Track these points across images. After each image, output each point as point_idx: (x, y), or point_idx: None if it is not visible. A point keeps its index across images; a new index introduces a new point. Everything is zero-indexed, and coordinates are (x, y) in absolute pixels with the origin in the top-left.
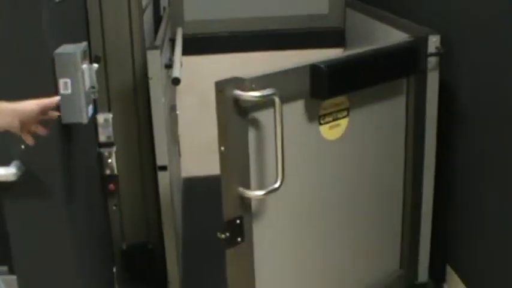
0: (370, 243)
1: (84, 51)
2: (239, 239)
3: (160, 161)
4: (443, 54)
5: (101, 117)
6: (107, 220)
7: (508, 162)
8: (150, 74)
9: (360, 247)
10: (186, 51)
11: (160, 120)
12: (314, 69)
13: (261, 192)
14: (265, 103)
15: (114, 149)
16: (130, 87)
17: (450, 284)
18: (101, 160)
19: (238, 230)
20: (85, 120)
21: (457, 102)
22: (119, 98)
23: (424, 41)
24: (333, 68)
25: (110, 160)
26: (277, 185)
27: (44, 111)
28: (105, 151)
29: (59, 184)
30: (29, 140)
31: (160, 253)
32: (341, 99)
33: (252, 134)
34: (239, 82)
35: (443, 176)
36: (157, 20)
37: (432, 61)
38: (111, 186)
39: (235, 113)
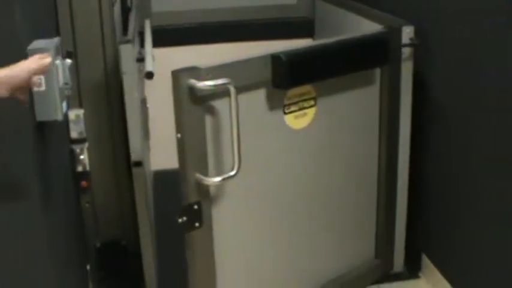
0: (343, 233)
1: (57, 47)
2: (197, 224)
3: (135, 157)
4: (418, 45)
5: (72, 113)
6: (80, 217)
7: (482, 151)
8: (124, 68)
9: (333, 236)
10: (154, 43)
11: (135, 115)
12: (275, 59)
13: (217, 179)
14: (223, 92)
15: (86, 145)
16: (102, 82)
17: (426, 272)
18: (73, 157)
19: (196, 215)
20: (60, 118)
21: (431, 92)
22: (90, 93)
23: (398, 32)
24: (294, 58)
25: (82, 156)
26: (233, 172)
27: (33, 74)
28: (77, 147)
29: (33, 182)
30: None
31: (135, 250)
32: (307, 89)
33: (209, 122)
34: (195, 71)
35: (418, 166)
36: (125, 12)
37: (406, 52)
38: (84, 183)
39: (190, 101)
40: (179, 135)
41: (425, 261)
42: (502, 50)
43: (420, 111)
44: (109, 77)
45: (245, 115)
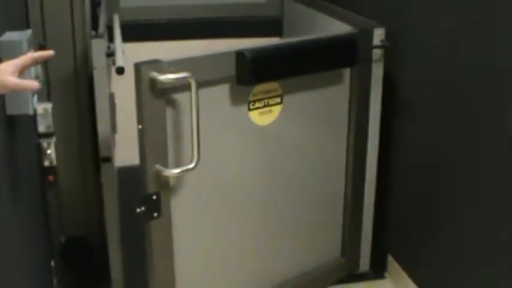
0: (308, 230)
1: (30, 39)
2: (155, 214)
3: (104, 152)
4: (388, 47)
5: (40, 107)
6: (45, 212)
7: (448, 154)
8: (95, 63)
9: (297, 233)
10: (122, 38)
11: (105, 110)
12: (239, 55)
13: (176, 171)
14: (185, 86)
15: (53, 139)
16: (71, 76)
17: (391, 273)
18: (40, 151)
19: (155, 205)
20: (31, 112)
21: (401, 94)
22: (59, 87)
23: (369, 34)
24: (258, 55)
25: (49, 151)
26: (192, 165)
27: (22, 69)
28: (44, 142)
29: (2, 179)
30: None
31: (101, 245)
32: (273, 86)
33: (170, 115)
34: (157, 64)
35: (385, 166)
36: (94, 6)
37: (377, 53)
38: (50, 178)
39: (151, 94)
40: (140, 127)
41: (391, 261)
42: (470, 49)
43: (389, 112)
44: (78, 71)
45: (208, 109)
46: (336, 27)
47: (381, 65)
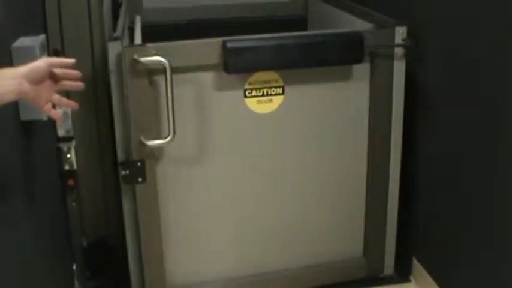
0: (319, 223)
1: (43, 44)
2: (140, 179)
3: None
4: (410, 46)
5: (59, 111)
6: (66, 216)
7: (474, 154)
8: (111, 66)
9: (304, 222)
10: (145, 39)
11: (121, 114)
12: (223, 44)
13: (155, 142)
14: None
15: (73, 143)
16: (90, 80)
17: (417, 277)
18: (59, 155)
19: (139, 170)
20: (45, 118)
21: (423, 93)
22: (78, 91)
23: (391, 32)
24: (240, 45)
25: (68, 155)
26: (168, 139)
27: (52, 66)
28: (64, 146)
29: (18, 182)
30: (53, 113)
31: (122, 250)
32: (272, 76)
33: (153, 94)
34: (141, 47)
35: (409, 167)
36: (115, 7)
37: (399, 52)
38: (70, 182)
39: (133, 73)
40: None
41: (416, 265)
42: (493, 47)
43: (412, 111)
44: (97, 73)
45: (202, 92)
46: (358, 26)
47: (403, 63)
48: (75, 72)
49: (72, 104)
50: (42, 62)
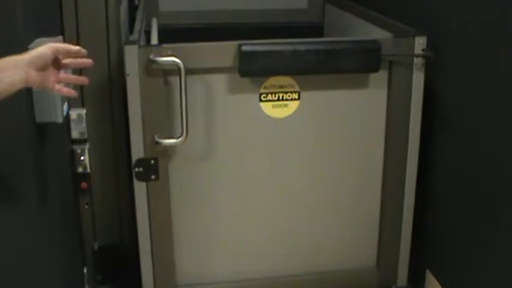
0: (330, 231)
1: None
2: (153, 177)
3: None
4: (430, 56)
5: (74, 113)
6: (78, 219)
7: (491, 167)
8: (128, 70)
9: (316, 229)
10: (161, 43)
11: (137, 117)
12: (239, 48)
13: (167, 141)
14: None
15: (87, 146)
16: (105, 82)
17: None
18: (73, 157)
19: (153, 168)
20: (60, 120)
21: (442, 104)
22: (93, 93)
23: (410, 42)
24: (256, 50)
25: (82, 158)
26: (180, 139)
27: (57, 53)
28: (77, 148)
29: (31, 183)
30: (65, 91)
31: (134, 254)
32: (288, 81)
33: (168, 94)
34: (156, 48)
35: (424, 179)
36: (132, 10)
37: (418, 62)
38: (83, 185)
39: (147, 72)
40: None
41: (430, 277)
42: None
43: (429, 122)
44: (113, 76)
45: (216, 95)
46: (376, 34)
47: (422, 74)
48: (81, 53)
49: (82, 80)
50: (48, 49)
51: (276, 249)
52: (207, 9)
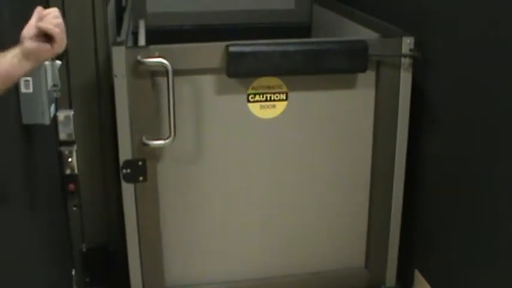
0: (319, 232)
1: None
2: (141, 178)
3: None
4: (418, 57)
5: (61, 115)
6: (66, 221)
7: (479, 167)
8: (115, 71)
9: (300, 229)
10: (148, 44)
11: (125, 118)
12: (227, 49)
13: (155, 142)
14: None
15: (74, 147)
16: (93, 84)
17: None
18: (60, 159)
19: (140, 170)
20: (47, 122)
21: (429, 104)
22: (80, 94)
23: (398, 42)
24: (243, 50)
25: (70, 159)
26: (168, 140)
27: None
28: (65, 150)
29: (18, 185)
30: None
31: (123, 256)
32: (276, 82)
33: (156, 95)
34: (145, 49)
35: (412, 178)
36: (119, 11)
37: (405, 62)
38: (71, 186)
39: (135, 75)
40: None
41: (418, 277)
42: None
43: (417, 122)
44: (100, 77)
45: (204, 95)
46: (363, 34)
47: (409, 74)
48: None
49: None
50: (33, 21)
51: (264, 250)
52: (195, 11)
